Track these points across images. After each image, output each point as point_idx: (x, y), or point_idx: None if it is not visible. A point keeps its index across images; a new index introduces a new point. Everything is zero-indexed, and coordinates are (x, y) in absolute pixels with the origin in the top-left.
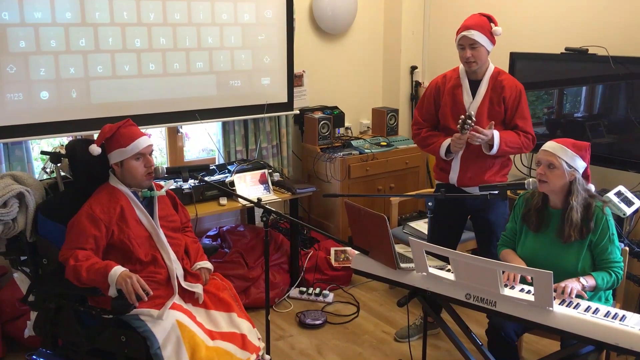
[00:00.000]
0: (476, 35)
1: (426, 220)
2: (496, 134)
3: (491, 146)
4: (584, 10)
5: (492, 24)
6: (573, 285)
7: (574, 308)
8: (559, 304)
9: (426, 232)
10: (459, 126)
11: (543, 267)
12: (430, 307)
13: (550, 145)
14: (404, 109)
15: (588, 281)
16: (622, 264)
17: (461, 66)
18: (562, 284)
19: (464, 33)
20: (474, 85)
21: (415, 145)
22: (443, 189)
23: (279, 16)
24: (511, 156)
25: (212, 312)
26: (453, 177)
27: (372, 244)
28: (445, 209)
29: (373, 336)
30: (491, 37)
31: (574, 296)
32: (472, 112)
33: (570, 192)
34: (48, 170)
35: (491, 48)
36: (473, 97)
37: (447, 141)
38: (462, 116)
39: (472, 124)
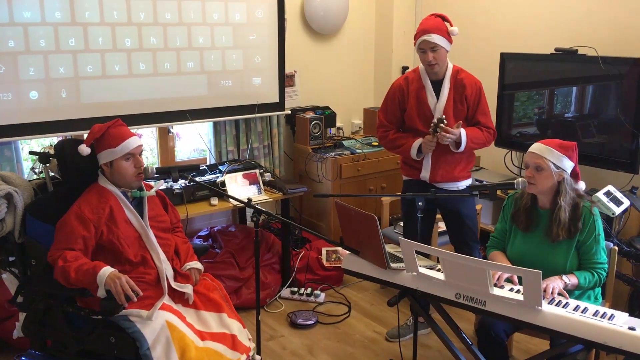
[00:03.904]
0: (436, 38)
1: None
2: (463, 132)
3: (458, 144)
4: (574, 10)
5: (447, 24)
6: (555, 284)
7: (562, 307)
8: (548, 303)
9: (417, 232)
10: (431, 129)
11: (532, 266)
12: (420, 306)
13: (536, 147)
14: None
15: (570, 279)
16: (606, 265)
17: (421, 66)
18: (544, 284)
19: (424, 37)
20: (436, 86)
21: (385, 149)
22: (433, 189)
23: (270, 16)
24: (500, 156)
25: (202, 312)
26: (425, 174)
27: (363, 244)
28: (415, 205)
29: (364, 336)
30: (449, 37)
31: (556, 295)
32: (444, 116)
33: (559, 192)
34: (37, 170)
35: (449, 48)
36: (437, 98)
37: (417, 142)
38: (435, 120)
39: (444, 127)
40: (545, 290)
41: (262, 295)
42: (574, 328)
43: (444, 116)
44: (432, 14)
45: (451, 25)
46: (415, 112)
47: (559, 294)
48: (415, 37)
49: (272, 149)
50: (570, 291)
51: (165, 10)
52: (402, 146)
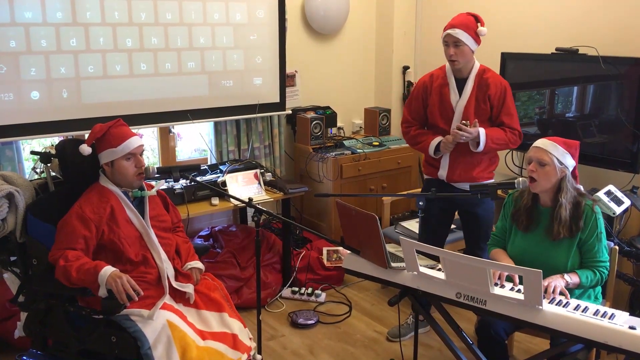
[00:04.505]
0: (460, 34)
1: (418, 219)
2: (482, 131)
3: (478, 143)
4: (574, 10)
5: (478, 24)
6: (557, 283)
7: (563, 307)
8: (549, 302)
9: (417, 231)
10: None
11: (533, 265)
12: (421, 305)
13: (541, 142)
14: (396, 109)
15: (572, 278)
16: (608, 263)
17: (447, 64)
18: (546, 282)
19: (448, 31)
20: (461, 84)
21: (408, 145)
22: (434, 189)
23: (270, 16)
24: (501, 156)
25: (203, 312)
26: (442, 173)
27: (364, 244)
28: (434, 205)
29: (365, 336)
30: (476, 37)
31: (557, 294)
32: (467, 121)
33: (560, 190)
34: (38, 170)
35: (475, 48)
36: (460, 96)
37: (436, 140)
38: (458, 125)
39: (461, 126)
40: (547, 290)
41: (263, 294)
42: (575, 327)
43: (467, 121)
44: (466, 12)
45: (482, 26)
46: (437, 109)
47: (561, 293)
48: (443, 30)
49: (272, 148)
50: (572, 290)
51: (166, 10)
52: (421, 143)
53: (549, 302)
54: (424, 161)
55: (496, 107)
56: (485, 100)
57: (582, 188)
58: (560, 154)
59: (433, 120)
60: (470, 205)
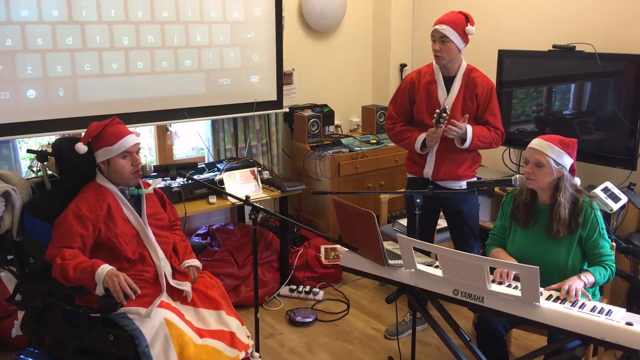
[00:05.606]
0: (447, 31)
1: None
2: (469, 128)
3: (464, 140)
4: (571, 7)
5: (468, 23)
6: (576, 285)
7: (560, 303)
8: (571, 306)
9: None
10: (434, 120)
11: (533, 263)
12: (418, 302)
13: (537, 143)
14: None
15: (588, 278)
16: (613, 257)
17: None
18: (566, 286)
19: (436, 27)
20: (448, 82)
21: (391, 141)
22: (431, 186)
23: (267, 14)
24: (498, 153)
25: (201, 310)
26: (428, 171)
27: (361, 241)
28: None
29: (363, 333)
30: (464, 35)
31: (579, 297)
32: (447, 106)
33: (558, 189)
34: (35, 168)
35: (463, 46)
36: (447, 93)
37: (422, 136)
38: (437, 110)
39: (447, 118)
40: (568, 292)
41: (261, 293)
42: (572, 323)
43: (446, 106)
44: (458, 10)
45: (472, 25)
46: (424, 106)
47: (581, 295)
48: (432, 26)
49: (270, 147)
50: (587, 289)
51: (162, 8)
52: (407, 139)
53: (571, 306)
54: (407, 159)
55: (482, 106)
56: (472, 99)
57: (578, 182)
58: (557, 155)
59: (420, 117)
60: (455, 204)
